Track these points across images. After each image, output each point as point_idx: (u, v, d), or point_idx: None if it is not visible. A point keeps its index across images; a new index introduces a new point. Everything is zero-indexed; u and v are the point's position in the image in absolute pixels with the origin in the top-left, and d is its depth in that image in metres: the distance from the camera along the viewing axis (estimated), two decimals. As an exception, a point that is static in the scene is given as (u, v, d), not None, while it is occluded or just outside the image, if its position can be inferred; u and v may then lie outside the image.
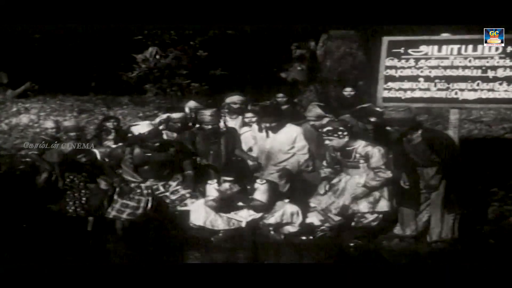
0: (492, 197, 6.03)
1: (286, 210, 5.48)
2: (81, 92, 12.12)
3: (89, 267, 4.31)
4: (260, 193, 5.46)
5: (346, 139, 5.37)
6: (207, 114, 6.00)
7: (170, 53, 11.86)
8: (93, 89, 12.65)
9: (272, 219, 5.47)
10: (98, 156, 6.11)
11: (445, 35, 6.00)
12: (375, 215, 5.35)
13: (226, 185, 5.36)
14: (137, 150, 5.71)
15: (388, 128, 5.23)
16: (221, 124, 6.17)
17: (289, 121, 6.23)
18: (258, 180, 5.53)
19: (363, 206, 5.34)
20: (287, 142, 5.98)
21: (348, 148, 5.40)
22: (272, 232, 5.52)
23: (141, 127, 5.69)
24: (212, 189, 5.51)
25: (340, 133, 5.35)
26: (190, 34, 11.76)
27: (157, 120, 6.28)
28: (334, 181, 5.58)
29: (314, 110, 5.92)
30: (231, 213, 5.52)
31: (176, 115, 6.18)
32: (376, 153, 5.31)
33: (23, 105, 11.15)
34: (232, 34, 11.66)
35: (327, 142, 5.41)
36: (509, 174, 6.37)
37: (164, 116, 6.20)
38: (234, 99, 6.53)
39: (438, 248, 5.10)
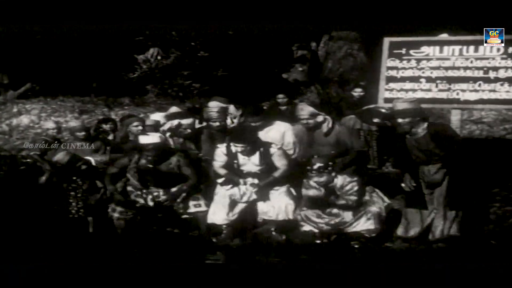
0: (493, 197, 6.02)
1: (280, 204, 5.48)
2: (82, 93, 12.13)
3: (90, 267, 4.30)
4: (279, 158, 5.50)
5: (333, 174, 5.39)
6: (214, 110, 5.99)
7: (171, 54, 11.87)
8: (94, 90, 12.65)
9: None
10: (93, 163, 6.07)
11: (444, 36, 6.00)
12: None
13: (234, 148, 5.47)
14: (142, 161, 5.63)
15: (400, 120, 5.13)
16: (228, 121, 6.16)
17: (278, 119, 6.22)
18: (273, 145, 5.57)
19: (361, 226, 5.29)
20: (278, 139, 5.92)
21: (330, 185, 5.41)
22: (273, 233, 5.51)
23: (150, 138, 5.58)
24: (220, 153, 5.57)
25: (330, 168, 5.36)
26: (191, 35, 11.76)
27: (167, 126, 6.17)
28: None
29: (306, 109, 5.85)
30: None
31: (186, 121, 6.08)
32: (346, 178, 5.37)
33: (23, 106, 11.16)
34: (233, 34, 11.65)
35: (315, 179, 5.38)
36: (511, 175, 6.35)
37: (175, 122, 6.09)
38: (211, 104, 6.34)
39: (439, 248, 5.08)
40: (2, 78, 12.57)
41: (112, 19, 6.92)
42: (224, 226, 5.53)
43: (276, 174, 5.52)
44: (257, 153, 5.50)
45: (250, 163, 5.53)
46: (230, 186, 5.56)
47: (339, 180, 5.39)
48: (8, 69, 12.47)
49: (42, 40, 12.09)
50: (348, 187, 5.34)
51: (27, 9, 6.20)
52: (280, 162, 5.52)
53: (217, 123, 5.97)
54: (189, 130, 6.01)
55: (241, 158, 5.54)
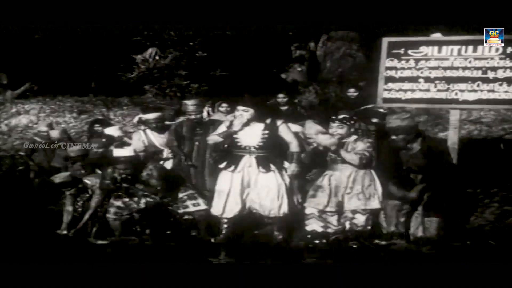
0: (492, 197, 6.03)
1: (272, 200, 5.38)
2: (80, 93, 12.15)
3: (90, 267, 4.30)
4: (286, 131, 5.45)
5: (352, 130, 5.34)
6: (189, 104, 6.19)
7: (169, 54, 11.88)
8: (93, 90, 12.67)
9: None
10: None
11: (436, 35, 6.01)
12: (367, 215, 5.28)
13: (238, 112, 5.37)
14: (115, 175, 5.63)
15: (393, 137, 5.18)
16: (204, 114, 6.38)
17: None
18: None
19: (355, 203, 5.26)
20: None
21: (343, 141, 5.34)
22: (276, 233, 5.48)
23: (123, 151, 5.63)
24: (223, 127, 5.48)
25: (352, 122, 5.34)
26: (189, 35, 11.77)
27: (135, 120, 6.31)
28: (319, 182, 5.50)
29: (314, 128, 5.81)
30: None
31: (149, 116, 6.20)
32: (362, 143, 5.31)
33: (22, 106, 11.16)
34: (231, 34, 11.67)
35: (335, 129, 5.31)
36: (509, 175, 6.36)
37: (136, 118, 6.23)
38: (187, 102, 6.43)
39: (437, 248, 5.08)
40: (1, 78, 12.58)
41: (110, 19, 6.93)
42: (225, 226, 5.50)
43: (294, 149, 5.41)
44: (262, 124, 5.39)
45: (250, 134, 5.39)
46: (232, 167, 5.38)
47: (353, 137, 5.36)
48: (7, 69, 12.47)
49: (41, 40, 12.11)
50: (361, 145, 5.27)
51: (27, 9, 6.20)
52: (288, 136, 5.44)
53: (193, 116, 6.13)
54: (154, 125, 6.20)
55: (242, 131, 5.39)
